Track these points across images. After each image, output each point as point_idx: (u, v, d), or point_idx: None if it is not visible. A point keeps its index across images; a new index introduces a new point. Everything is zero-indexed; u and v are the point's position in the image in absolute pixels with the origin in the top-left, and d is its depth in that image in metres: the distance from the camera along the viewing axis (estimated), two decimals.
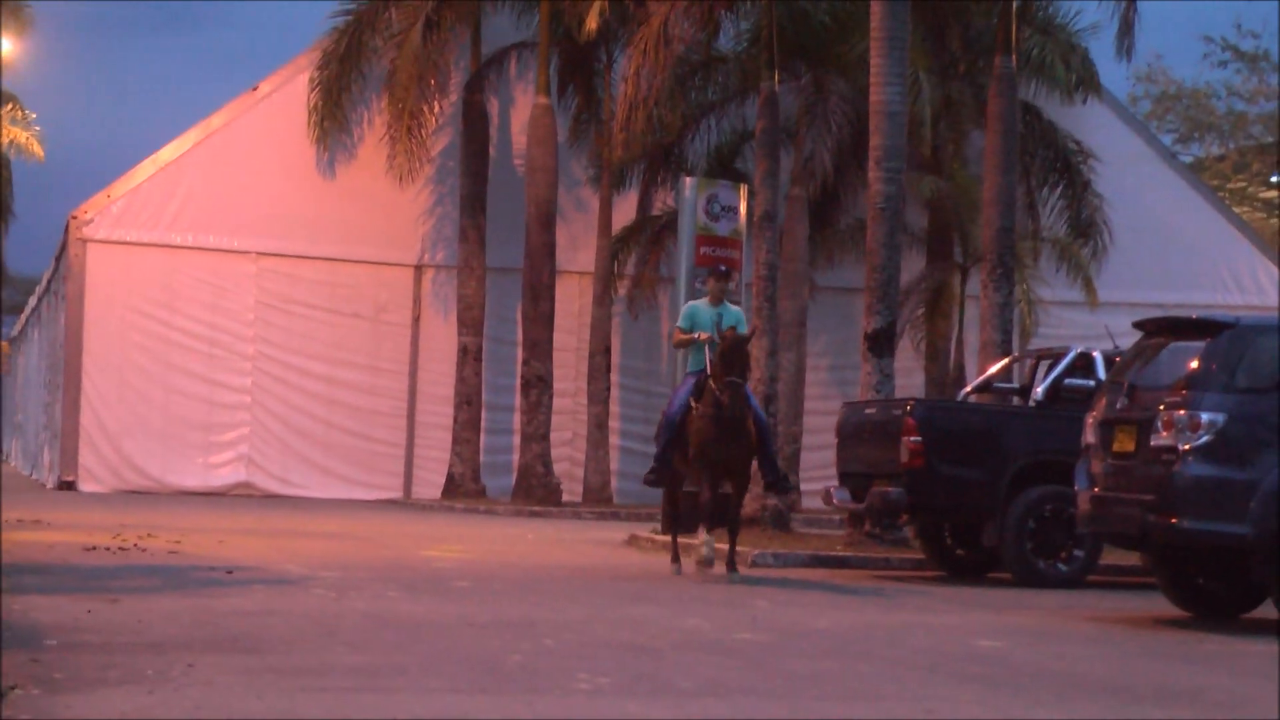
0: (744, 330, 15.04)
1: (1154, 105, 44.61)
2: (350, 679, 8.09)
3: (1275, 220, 44.67)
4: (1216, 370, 11.81)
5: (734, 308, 15.52)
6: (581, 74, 29.84)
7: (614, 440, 29.73)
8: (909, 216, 25.10)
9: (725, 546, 14.87)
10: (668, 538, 19.50)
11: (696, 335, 15.09)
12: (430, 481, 29.93)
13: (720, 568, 14.82)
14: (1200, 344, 12.10)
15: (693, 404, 14.79)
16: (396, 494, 30.09)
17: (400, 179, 29.46)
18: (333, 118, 29.47)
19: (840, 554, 17.48)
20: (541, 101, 28.72)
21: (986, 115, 22.02)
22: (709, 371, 14.70)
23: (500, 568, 15.53)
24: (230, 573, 13.42)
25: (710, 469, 14.67)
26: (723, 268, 16.11)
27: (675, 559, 15.35)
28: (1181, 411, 11.66)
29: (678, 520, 15.70)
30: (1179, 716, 7.92)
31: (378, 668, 8.48)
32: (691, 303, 15.93)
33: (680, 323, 15.48)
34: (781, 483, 16.73)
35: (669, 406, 15.27)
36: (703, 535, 14.75)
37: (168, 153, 29.97)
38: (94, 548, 15.36)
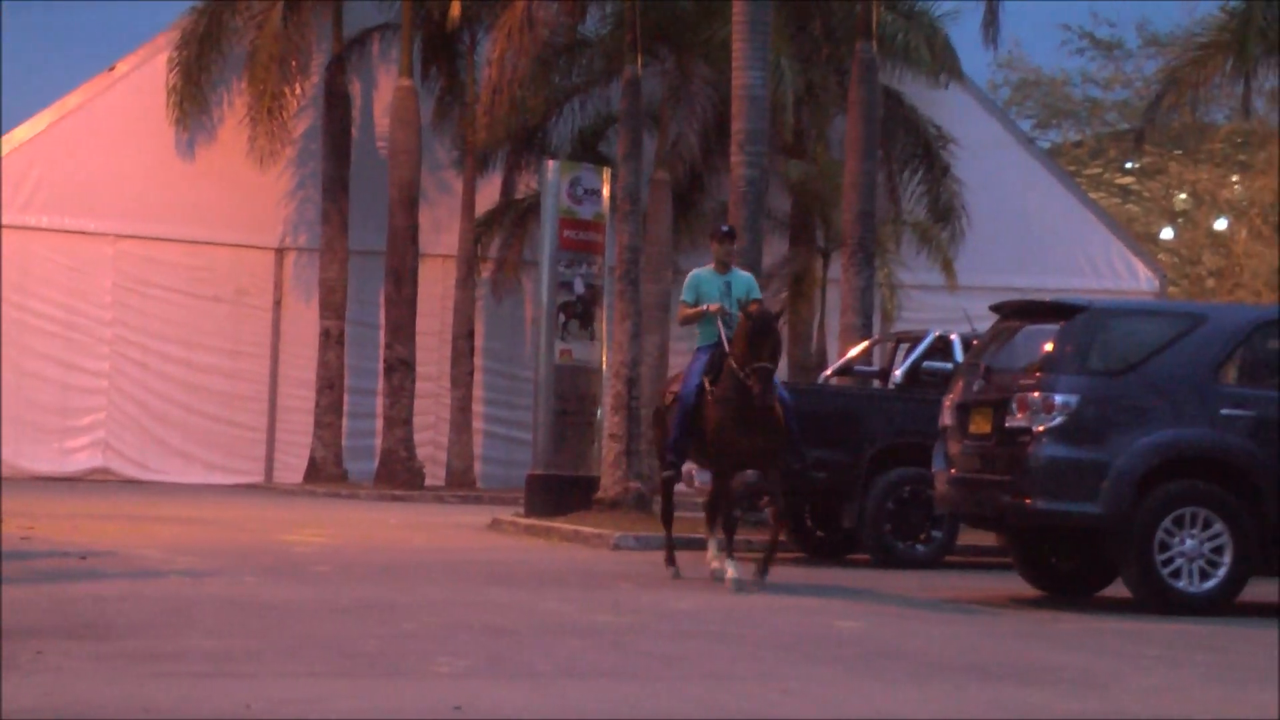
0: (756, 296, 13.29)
1: (1013, 92, 45.12)
2: (205, 664, 8.00)
3: (1130, 206, 45.42)
4: (1070, 353, 11.98)
5: (743, 273, 13.70)
6: (445, 56, 29.68)
7: (477, 424, 29.66)
8: (772, 201, 25.22)
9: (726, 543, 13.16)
10: (531, 520, 19.60)
11: (705, 308, 13.22)
12: (292, 466, 29.66)
13: (732, 570, 12.83)
14: (1055, 327, 12.27)
15: (707, 385, 12.95)
16: (257, 479, 29.78)
17: (261, 161, 29.09)
18: (192, 99, 29.07)
19: (702, 536, 17.50)
20: (404, 84, 28.54)
21: (848, 100, 22.19)
22: (727, 350, 12.83)
23: (361, 552, 15.42)
24: (84, 559, 13.21)
25: (730, 462, 13.03)
26: (725, 228, 13.83)
27: (671, 560, 13.76)
28: (1036, 394, 11.83)
29: (671, 516, 14.10)
30: (1036, 694, 8.02)
31: (233, 653, 8.39)
32: (695, 271, 13.76)
33: (684, 295, 13.46)
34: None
35: (681, 387, 13.27)
36: (711, 551, 13.40)
37: (21, 133, 29.39)
38: None
